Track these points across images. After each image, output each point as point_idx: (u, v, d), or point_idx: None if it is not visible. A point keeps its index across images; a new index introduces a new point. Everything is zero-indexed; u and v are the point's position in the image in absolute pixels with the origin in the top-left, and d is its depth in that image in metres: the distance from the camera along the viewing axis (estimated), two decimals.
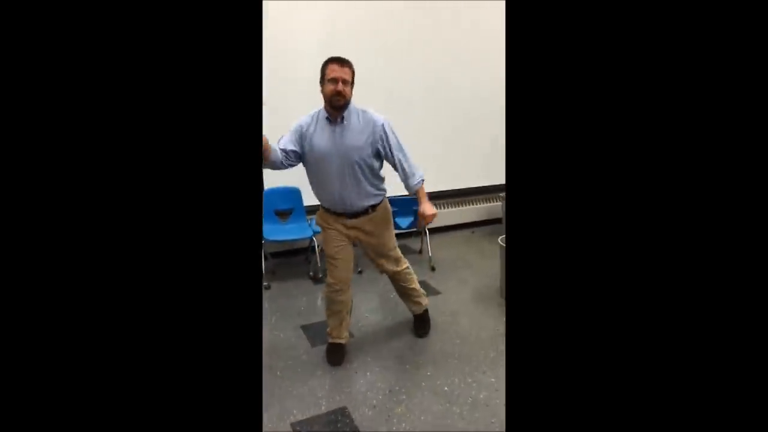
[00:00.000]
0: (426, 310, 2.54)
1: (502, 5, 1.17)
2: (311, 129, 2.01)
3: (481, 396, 2.01)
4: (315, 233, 3.25)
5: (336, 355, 2.28)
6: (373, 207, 2.12)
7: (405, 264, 2.35)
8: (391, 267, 2.30)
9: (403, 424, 1.85)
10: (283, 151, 1.99)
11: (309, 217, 3.44)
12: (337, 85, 1.89)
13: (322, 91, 1.95)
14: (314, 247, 3.31)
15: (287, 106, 3.32)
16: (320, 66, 1.98)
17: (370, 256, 2.28)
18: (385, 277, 3.20)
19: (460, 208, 4.28)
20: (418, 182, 2.07)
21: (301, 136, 2.01)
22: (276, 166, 1.99)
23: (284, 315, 2.74)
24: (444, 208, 4.19)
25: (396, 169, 2.08)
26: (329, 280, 2.22)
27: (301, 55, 3.33)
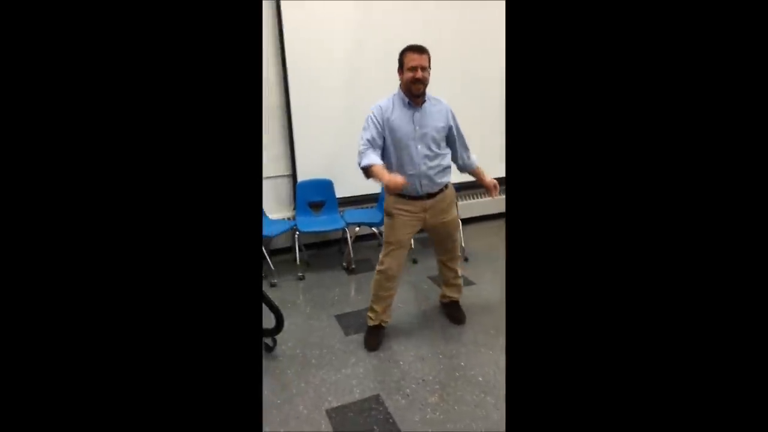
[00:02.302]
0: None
1: None
2: (390, 113, 2.07)
3: None
4: (348, 224, 3.28)
5: (376, 338, 2.32)
6: (446, 186, 2.25)
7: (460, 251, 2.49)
8: (455, 250, 2.41)
9: (437, 413, 1.84)
10: (375, 144, 2.06)
11: (341, 209, 3.46)
12: (416, 73, 1.99)
13: (401, 78, 2.06)
14: (347, 238, 3.34)
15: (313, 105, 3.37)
16: (398, 54, 2.07)
17: (441, 237, 2.34)
18: (417, 268, 3.20)
19: (493, 198, 4.21)
20: (477, 159, 2.33)
21: (383, 121, 2.06)
22: None
23: (318, 305, 2.78)
24: (476, 198, 4.13)
25: (457, 150, 2.25)
26: (386, 266, 2.23)
27: (328, 56, 3.34)
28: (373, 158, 1.98)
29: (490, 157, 4.08)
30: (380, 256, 2.27)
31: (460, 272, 2.50)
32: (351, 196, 3.57)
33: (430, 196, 2.17)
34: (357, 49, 3.38)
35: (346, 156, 3.52)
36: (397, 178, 1.87)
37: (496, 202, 4.20)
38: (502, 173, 4.10)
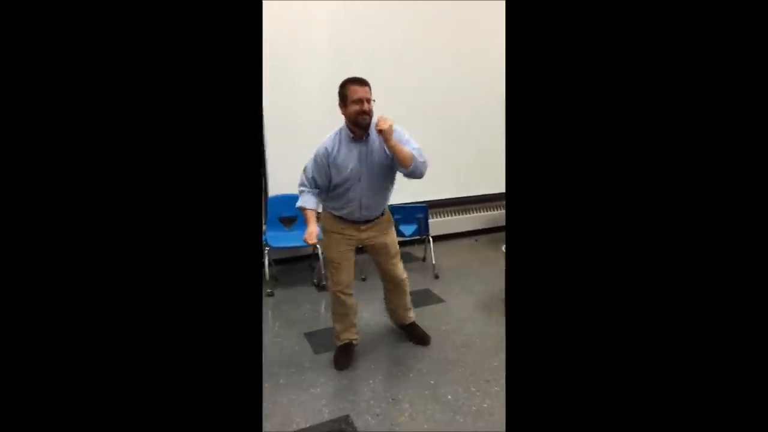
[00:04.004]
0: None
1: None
2: (336, 151, 2.04)
3: (485, 405, 2.00)
4: (319, 240, 3.26)
5: (345, 358, 2.30)
6: (383, 212, 2.24)
7: (405, 273, 2.41)
8: (400, 270, 2.35)
9: None
10: (315, 183, 2.10)
11: None
12: (362, 105, 1.95)
13: (345, 113, 2.00)
14: (318, 254, 3.31)
15: (292, 109, 3.37)
16: (337, 87, 2.02)
17: (381, 258, 2.30)
18: None
19: (464, 216, 4.28)
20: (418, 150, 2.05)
21: (329, 163, 2.04)
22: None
23: (287, 322, 2.74)
24: (447, 216, 4.19)
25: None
26: (336, 282, 2.23)
27: (308, 57, 3.35)
28: (308, 201, 2.11)
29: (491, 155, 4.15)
30: (328, 275, 2.27)
31: (408, 294, 2.44)
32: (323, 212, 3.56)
33: (367, 221, 2.18)
34: (335, 57, 3.41)
35: None
36: (312, 236, 2.04)
37: (465, 221, 4.28)
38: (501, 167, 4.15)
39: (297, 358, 2.37)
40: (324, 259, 2.28)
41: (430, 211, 3.60)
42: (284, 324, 2.72)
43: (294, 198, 3.36)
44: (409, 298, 2.48)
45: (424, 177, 2.08)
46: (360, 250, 2.29)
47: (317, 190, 2.12)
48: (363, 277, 3.32)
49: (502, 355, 2.37)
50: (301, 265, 3.59)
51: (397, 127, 1.99)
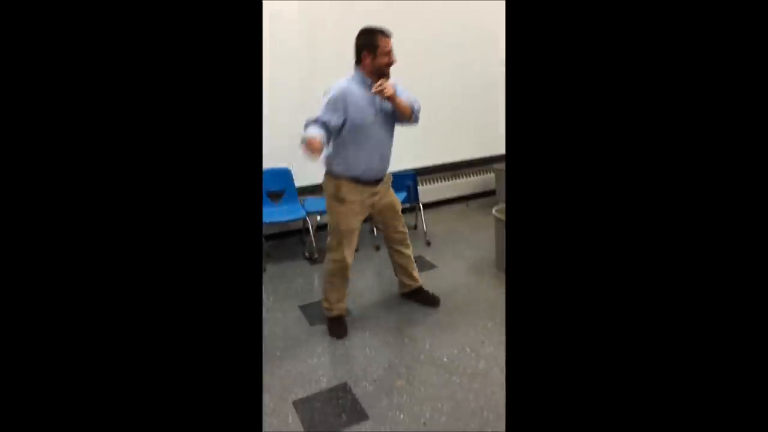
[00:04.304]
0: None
1: None
2: (352, 96, 2.01)
3: (480, 366, 2.04)
4: (309, 213, 3.23)
5: (342, 327, 2.32)
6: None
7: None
8: (403, 225, 2.40)
9: (404, 397, 1.87)
10: (326, 127, 1.97)
11: (301, 198, 3.41)
12: (391, 57, 2.02)
13: (372, 62, 2.01)
14: (309, 227, 3.29)
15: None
16: (363, 35, 2.02)
17: (389, 218, 2.34)
18: (379, 254, 3.21)
19: (454, 181, 4.26)
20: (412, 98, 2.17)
21: (347, 102, 1.99)
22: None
23: (281, 296, 2.74)
24: (437, 182, 4.17)
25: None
26: (342, 255, 2.20)
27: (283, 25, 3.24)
28: (314, 132, 1.91)
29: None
30: (332, 244, 2.22)
31: (412, 256, 2.50)
32: (311, 185, 3.51)
33: (377, 182, 2.20)
34: (312, 12, 3.28)
35: None
36: (316, 141, 1.84)
37: (455, 186, 4.26)
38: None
39: (292, 330, 2.38)
40: (332, 230, 2.21)
41: (419, 178, 3.58)
42: (278, 298, 2.72)
43: (281, 171, 3.34)
44: (413, 260, 2.52)
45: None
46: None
47: (327, 133, 1.98)
48: (377, 245, 3.31)
49: (496, 317, 2.40)
50: (291, 239, 3.58)
51: (391, 80, 2.04)
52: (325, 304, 2.35)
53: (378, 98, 2.04)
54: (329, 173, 2.16)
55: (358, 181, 2.12)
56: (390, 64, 2.03)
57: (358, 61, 2.05)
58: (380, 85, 1.94)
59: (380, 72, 2.01)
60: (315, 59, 3.36)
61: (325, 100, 2.00)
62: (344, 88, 2.01)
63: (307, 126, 1.97)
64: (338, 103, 1.98)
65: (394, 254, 2.47)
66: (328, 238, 2.25)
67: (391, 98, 1.98)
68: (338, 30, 3.23)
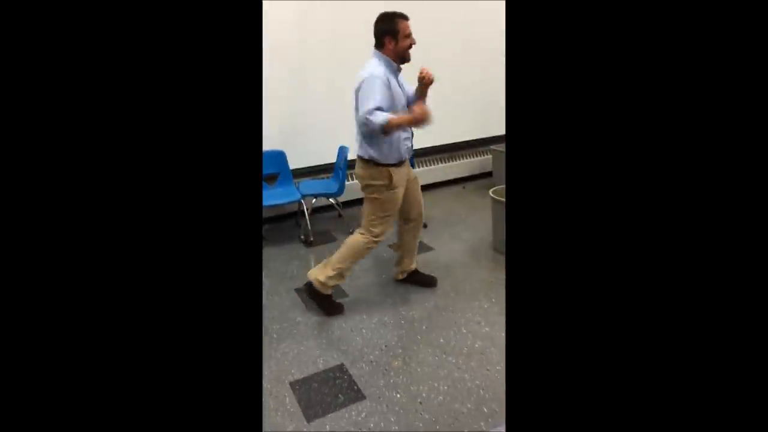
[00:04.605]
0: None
1: None
2: (392, 81, 2.06)
3: (477, 345, 2.04)
4: (304, 196, 3.21)
5: (337, 305, 2.36)
6: None
7: None
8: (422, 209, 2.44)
9: (401, 377, 1.87)
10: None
11: (296, 180, 3.38)
12: (412, 38, 2.06)
13: (395, 47, 2.05)
14: (304, 210, 3.27)
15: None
16: (382, 21, 2.04)
17: (416, 192, 2.37)
18: None
19: (450, 163, 4.23)
20: None
21: (390, 90, 2.04)
22: None
23: (277, 279, 2.73)
24: (434, 164, 4.14)
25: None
26: (380, 236, 2.23)
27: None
28: (385, 114, 1.93)
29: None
30: (375, 224, 2.20)
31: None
32: (306, 167, 3.48)
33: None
34: (305, 11, 3.23)
35: (299, 125, 3.43)
36: (424, 107, 1.91)
37: (452, 168, 4.23)
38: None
39: (289, 312, 2.38)
40: (378, 213, 2.21)
41: (415, 160, 3.55)
42: (274, 281, 2.71)
43: (275, 153, 3.30)
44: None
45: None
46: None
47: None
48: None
49: (492, 298, 2.40)
50: (287, 222, 3.56)
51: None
52: (330, 282, 2.27)
53: (401, 81, 2.12)
54: (378, 163, 2.11)
55: (401, 162, 2.18)
56: (411, 45, 2.06)
57: (379, 46, 2.07)
58: (427, 71, 2.05)
59: (404, 56, 2.08)
60: (306, 44, 3.29)
61: (370, 88, 1.95)
62: (383, 73, 2.00)
63: (372, 116, 1.92)
64: (386, 89, 2.00)
65: (407, 234, 2.45)
66: (371, 218, 2.21)
67: (429, 85, 2.09)
68: (336, 6, 3.17)
